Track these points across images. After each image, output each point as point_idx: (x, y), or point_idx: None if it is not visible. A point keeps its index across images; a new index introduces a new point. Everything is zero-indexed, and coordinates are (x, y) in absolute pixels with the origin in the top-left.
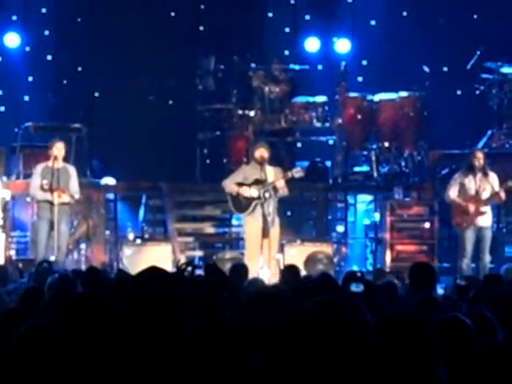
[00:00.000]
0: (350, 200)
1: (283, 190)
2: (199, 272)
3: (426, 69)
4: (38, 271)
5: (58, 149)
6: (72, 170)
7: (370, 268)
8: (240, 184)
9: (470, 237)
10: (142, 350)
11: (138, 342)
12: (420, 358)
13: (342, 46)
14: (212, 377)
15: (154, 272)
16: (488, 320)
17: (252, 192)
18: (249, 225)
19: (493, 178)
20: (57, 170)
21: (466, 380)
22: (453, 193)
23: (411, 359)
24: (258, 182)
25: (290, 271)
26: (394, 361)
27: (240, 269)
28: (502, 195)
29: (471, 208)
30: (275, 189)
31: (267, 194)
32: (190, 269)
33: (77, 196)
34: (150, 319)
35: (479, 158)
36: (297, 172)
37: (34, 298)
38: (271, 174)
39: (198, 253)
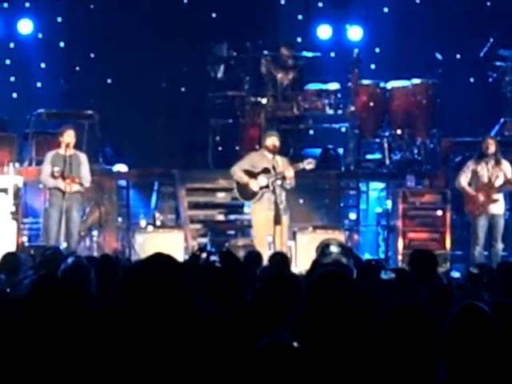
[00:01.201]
0: (363, 187)
1: (291, 181)
2: (214, 258)
3: (439, 56)
4: (46, 258)
5: (69, 136)
6: (83, 158)
7: (383, 255)
8: (248, 172)
9: (482, 224)
10: (145, 336)
11: (142, 329)
12: (423, 350)
13: (355, 33)
14: (220, 363)
15: (157, 258)
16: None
17: (260, 181)
18: (256, 213)
19: (506, 165)
20: (68, 158)
21: (487, 371)
22: (464, 180)
23: (413, 351)
24: (267, 171)
25: (277, 259)
26: (396, 352)
27: (254, 256)
28: None
29: (481, 197)
30: (283, 178)
31: (278, 182)
32: (204, 255)
33: (87, 184)
34: (154, 306)
35: (491, 146)
36: (308, 163)
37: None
38: (281, 163)
39: (210, 240)
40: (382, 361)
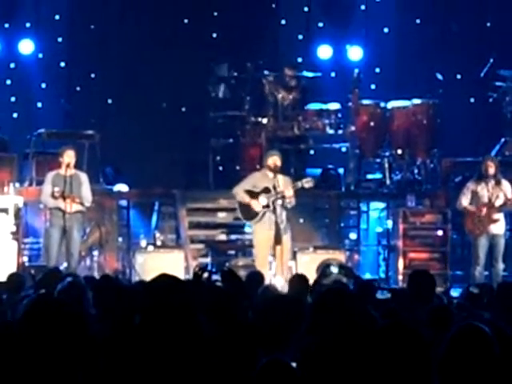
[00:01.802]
0: (363, 207)
1: (291, 200)
2: (216, 277)
3: (440, 76)
4: (45, 278)
5: (69, 156)
6: (84, 177)
7: (383, 275)
8: (249, 192)
9: (482, 244)
10: (154, 354)
11: (151, 347)
12: (417, 368)
13: (355, 53)
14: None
15: (164, 279)
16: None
17: (261, 201)
18: (258, 233)
19: (506, 185)
20: (69, 178)
21: None
22: (465, 201)
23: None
24: (267, 190)
25: (299, 281)
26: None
27: (256, 276)
28: None
29: (483, 211)
30: (283, 198)
31: (279, 202)
32: (206, 275)
33: (88, 204)
34: (162, 325)
35: (491, 166)
36: (307, 182)
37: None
38: (282, 182)
39: (211, 260)
40: (377, 380)
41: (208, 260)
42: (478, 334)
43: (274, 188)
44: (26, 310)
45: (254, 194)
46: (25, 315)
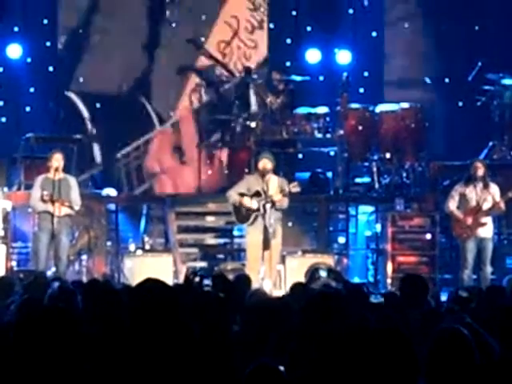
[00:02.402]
0: (352, 211)
1: (281, 203)
2: (207, 282)
3: (428, 80)
4: (32, 283)
5: (57, 160)
6: (73, 181)
7: (372, 279)
8: (243, 195)
9: (470, 248)
10: (144, 359)
11: (140, 351)
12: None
13: (343, 57)
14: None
15: (151, 284)
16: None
17: (252, 204)
18: (249, 235)
19: (494, 188)
20: (57, 181)
21: None
22: (452, 204)
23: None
24: (258, 194)
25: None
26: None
27: (243, 279)
28: (502, 206)
29: (469, 220)
30: (272, 202)
31: (268, 205)
32: (198, 279)
33: (77, 207)
34: (150, 330)
35: (479, 169)
36: (294, 187)
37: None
38: (274, 184)
39: (200, 264)
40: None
41: (197, 264)
42: (456, 336)
43: (264, 192)
44: (15, 316)
45: (246, 197)
46: (14, 322)
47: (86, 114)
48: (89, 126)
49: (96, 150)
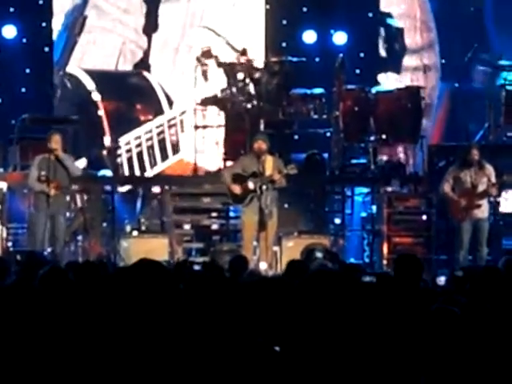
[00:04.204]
0: (348, 192)
1: (280, 182)
2: (197, 268)
3: (425, 61)
4: (27, 263)
5: (56, 141)
6: (69, 159)
7: (367, 260)
8: (239, 176)
9: (466, 229)
10: (138, 341)
11: (134, 333)
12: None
13: (340, 38)
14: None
15: (145, 264)
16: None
17: (249, 185)
18: (245, 216)
19: (489, 169)
20: (54, 162)
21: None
22: (447, 187)
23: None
24: (255, 175)
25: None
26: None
27: (240, 260)
28: (494, 190)
29: (463, 202)
30: (272, 181)
31: (264, 187)
32: (188, 265)
33: (78, 173)
34: (145, 311)
35: (476, 154)
36: (291, 169)
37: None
38: (270, 164)
39: (196, 245)
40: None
41: (192, 245)
42: (448, 315)
43: (260, 173)
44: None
45: (243, 178)
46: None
47: (91, 85)
48: (96, 99)
49: (106, 127)
